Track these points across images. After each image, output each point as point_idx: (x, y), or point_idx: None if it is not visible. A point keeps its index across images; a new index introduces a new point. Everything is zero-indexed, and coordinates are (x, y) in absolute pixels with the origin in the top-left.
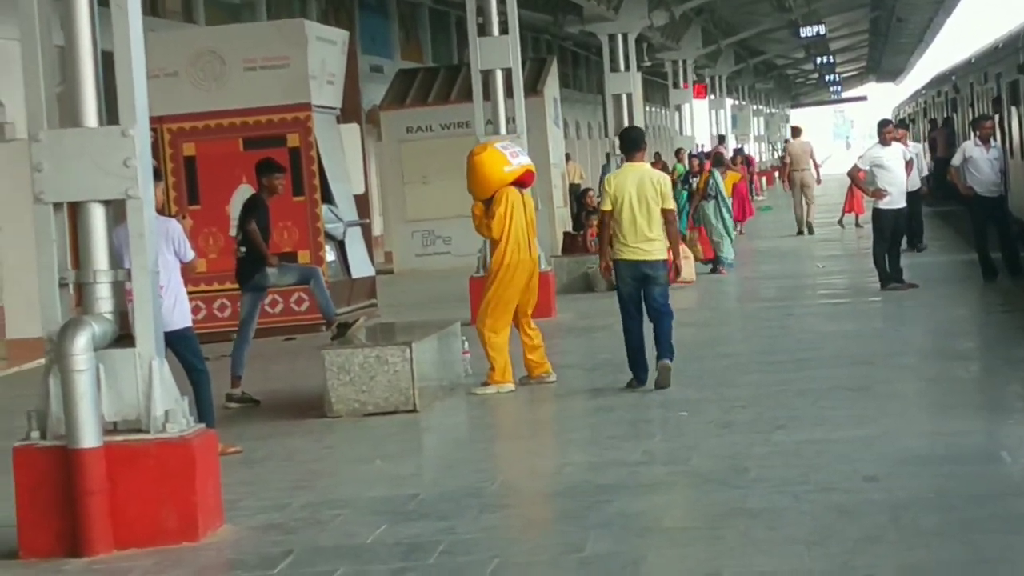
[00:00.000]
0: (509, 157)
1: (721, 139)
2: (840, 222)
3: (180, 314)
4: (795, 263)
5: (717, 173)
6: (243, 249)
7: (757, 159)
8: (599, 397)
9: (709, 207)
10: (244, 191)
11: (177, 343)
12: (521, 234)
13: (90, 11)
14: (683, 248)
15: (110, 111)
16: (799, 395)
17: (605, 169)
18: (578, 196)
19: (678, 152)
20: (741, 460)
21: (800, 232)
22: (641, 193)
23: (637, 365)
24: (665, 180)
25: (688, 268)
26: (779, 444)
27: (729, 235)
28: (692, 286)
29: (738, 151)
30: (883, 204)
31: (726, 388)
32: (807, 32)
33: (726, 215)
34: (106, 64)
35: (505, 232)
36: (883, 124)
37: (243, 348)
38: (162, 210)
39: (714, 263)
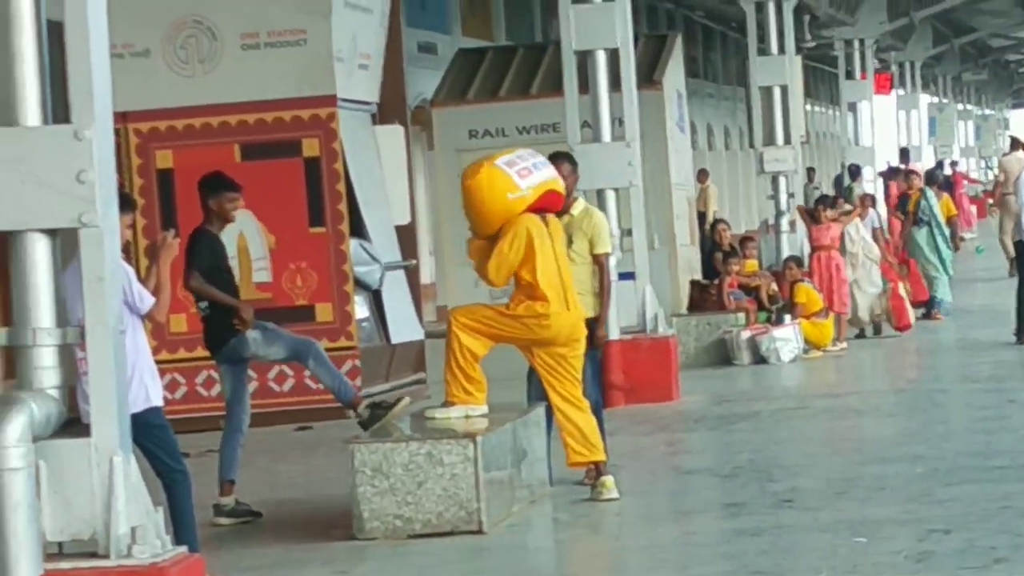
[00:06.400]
0: (516, 178)
1: (904, 154)
2: None
3: (144, 391)
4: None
5: (930, 193)
6: (204, 304)
7: (966, 180)
8: (740, 516)
9: (921, 235)
10: (243, 219)
11: (141, 433)
12: (553, 278)
13: None
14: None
15: (57, 104)
16: None
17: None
18: (710, 230)
19: (851, 169)
20: None
21: (1013, 274)
22: None
23: None
24: None
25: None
26: None
27: (947, 270)
28: (877, 346)
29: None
30: None
31: (921, 504)
32: None
33: (943, 246)
34: (52, 38)
35: (532, 276)
36: None
37: (235, 441)
38: (126, 249)
39: (928, 306)
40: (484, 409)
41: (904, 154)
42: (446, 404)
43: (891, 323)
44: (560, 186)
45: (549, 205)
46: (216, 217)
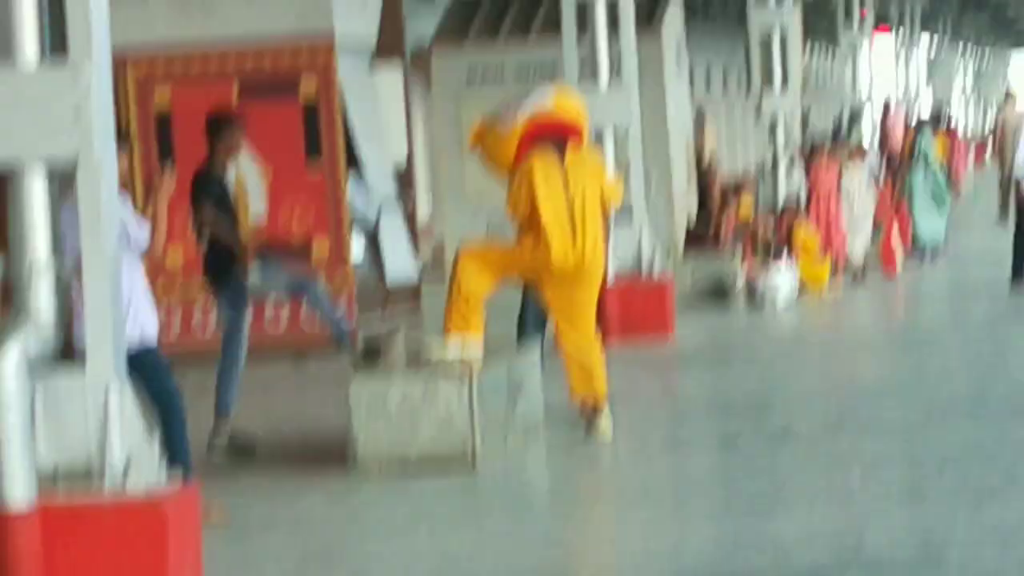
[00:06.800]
0: (499, 124)
1: (885, 108)
2: None
3: (140, 329)
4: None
5: (928, 132)
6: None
7: (963, 127)
8: (732, 449)
9: (918, 176)
10: (241, 157)
11: (136, 368)
12: (558, 213)
13: None
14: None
15: (54, 40)
16: (1020, 455)
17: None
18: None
19: (852, 113)
20: (935, 543)
21: (1004, 219)
22: None
23: None
24: None
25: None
26: (989, 521)
27: (942, 211)
28: (872, 288)
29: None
30: None
31: (916, 442)
32: None
33: (941, 182)
34: None
35: (537, 213)
36: None
37: (230, 376)
38: (122, 184)
39: (915, 247)
40: (481, 343)
41: (886, 108)
42: (444, 335)
43: (880, 265)
44: (553, 112)
45: (556, 132)
46: (221, 155)
